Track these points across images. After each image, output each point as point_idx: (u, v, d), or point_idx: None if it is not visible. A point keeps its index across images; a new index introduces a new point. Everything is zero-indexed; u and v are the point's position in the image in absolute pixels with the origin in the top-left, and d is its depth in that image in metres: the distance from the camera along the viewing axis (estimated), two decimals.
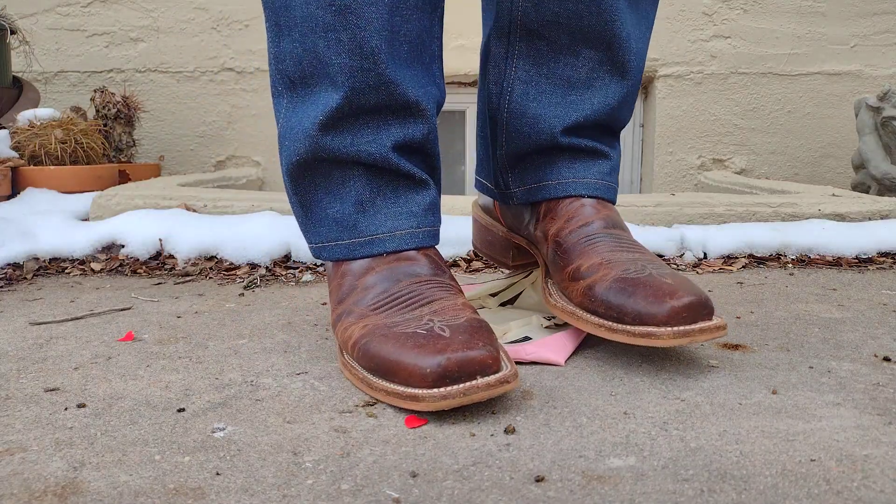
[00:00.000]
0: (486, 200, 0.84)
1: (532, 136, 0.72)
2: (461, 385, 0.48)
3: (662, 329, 0.56)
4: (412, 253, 0.63)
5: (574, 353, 0.64)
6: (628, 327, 0.58)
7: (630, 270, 0.61)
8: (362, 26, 0.58)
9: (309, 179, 0.64)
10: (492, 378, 0.49)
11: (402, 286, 0.60)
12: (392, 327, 0.55)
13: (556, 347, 0.63)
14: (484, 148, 0.79)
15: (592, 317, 0.61)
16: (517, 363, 0.61)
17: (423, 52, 0.63)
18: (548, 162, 0.72)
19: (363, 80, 0.59)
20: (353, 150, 0.62)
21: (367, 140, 0.62)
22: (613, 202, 0.73)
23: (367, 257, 0.63)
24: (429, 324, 0.54)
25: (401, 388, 0.50)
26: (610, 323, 0.60)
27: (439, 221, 0.66)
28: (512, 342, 0.65)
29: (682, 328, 0.56)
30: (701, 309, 0.57)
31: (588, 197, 0.71)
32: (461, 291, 0.62)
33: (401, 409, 0.51)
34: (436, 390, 0.48)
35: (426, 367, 0.49)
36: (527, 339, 0.66)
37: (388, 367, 0.52)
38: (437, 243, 0.65)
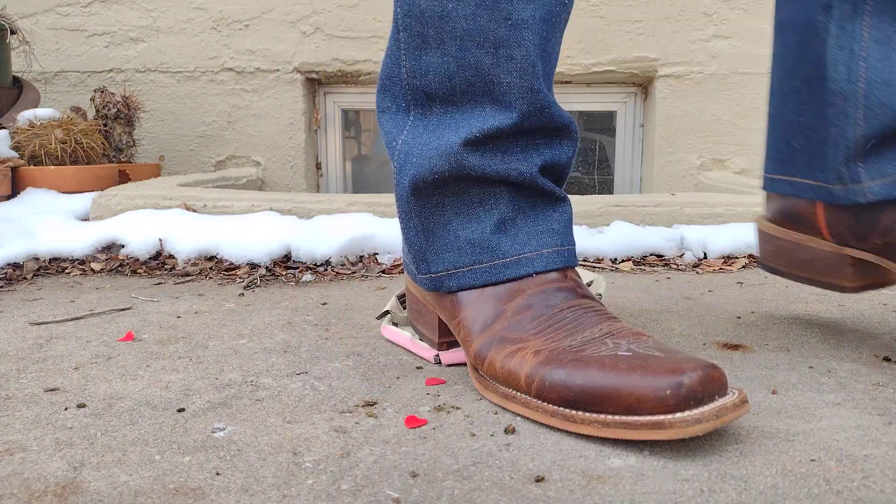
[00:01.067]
0: (786, 207, 0.70)
1: None
2: (709, 406, 0.42)
3: None
4: (556, 275, 0.57)
5: None
6: None
7: None
8: (530, 42, 0.54)
9: (438, 199, 0.58)
10: (736, 398, 0.43)
11: (560, 308, 0.54)
12: (580, 350, 0.48)
13: None
14: (802, 133, 0.64)
15: None
16: None
17: (553, 66, 0.59)
18: None
19: (532, 101, 0.56)
20: (503, 168, 0.57)
21: (517, 158, 0.57)
22: None
23: (512, 280, 0.57)
24: (618, 346, 0.48)
25: (631, 418, 0.43)
26: None
27: (575, 242, 0.61)
28: None
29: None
30: None
31: None
32: (615, 317, 0.55)
33: (400, 409, 0.51)
34: (686, 413, 0.41)
35: (664, 388, 0.42)
36: None
37: (599, 396, 0.44)
38: (576, 264, 0.60)
